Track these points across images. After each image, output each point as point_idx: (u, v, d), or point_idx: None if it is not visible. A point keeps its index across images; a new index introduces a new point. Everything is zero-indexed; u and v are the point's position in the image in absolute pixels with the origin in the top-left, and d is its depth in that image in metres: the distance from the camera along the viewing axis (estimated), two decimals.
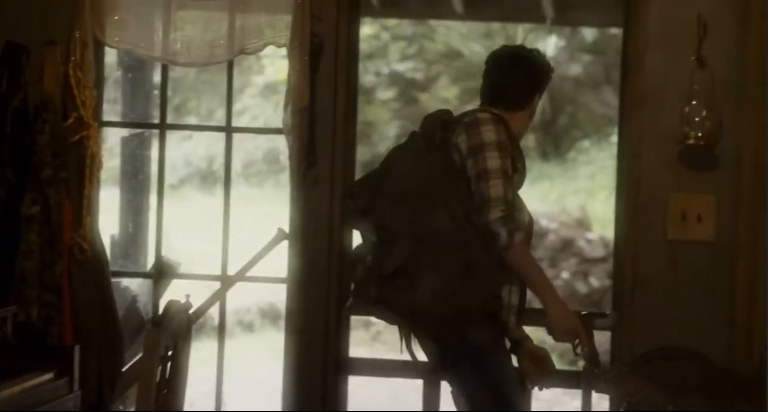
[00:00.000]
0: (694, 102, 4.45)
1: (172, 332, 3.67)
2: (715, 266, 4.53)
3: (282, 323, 4.76)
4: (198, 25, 4.70)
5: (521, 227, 3.68)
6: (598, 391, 4.33)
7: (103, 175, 4.82)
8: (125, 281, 5.16)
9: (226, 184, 4.84)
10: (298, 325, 4.65)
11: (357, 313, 4.80)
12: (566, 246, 10.01)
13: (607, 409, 4.48)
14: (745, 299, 4.43)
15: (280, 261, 4.69)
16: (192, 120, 8.51)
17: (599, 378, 4.27)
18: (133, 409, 4.70)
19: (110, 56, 5.12)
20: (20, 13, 4.73)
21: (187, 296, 3.88)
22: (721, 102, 4.46)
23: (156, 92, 5.26)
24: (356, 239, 4.71)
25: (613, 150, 4.85)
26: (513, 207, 3.68)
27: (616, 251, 4.72)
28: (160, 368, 3.64)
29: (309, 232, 4.65)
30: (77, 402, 4.14)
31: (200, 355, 4.53)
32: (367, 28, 5.88)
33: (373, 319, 3.88)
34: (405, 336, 3.78)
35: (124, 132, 5.57)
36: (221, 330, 4.87)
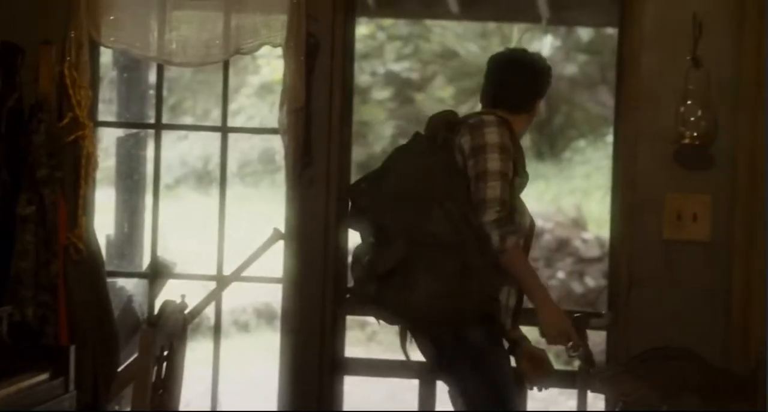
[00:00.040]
0: (689, 102, 4.45)
1: (167, 332, 3.67)
2: (711, 265, 4.53)
3: (278, 323, 4.76)
4: (193, 25, 4.69)
5: (517, 231, 3.68)
6: (593, 391, 4.33)
7: (99, 175, 4.82)
8: (121, 281, 5.15)
9: (222, 184, 4.84)
10: (293, 325, 4.64)
11: (353, 313, 4.81)
12: (562, 246, 10.02)
13: (603, 409, 4.49)
14: (741, 299, 4.43)
15: (275, 261, 4.69)
16: (187, 120, 8.52)
17: (595, 378, 4.27)
18: (128, 409, 4.69)
19: (106, 56, 5.11)
20: (15, 13, 4.72)
21: (183, 296, 3.88)
22: (716, 102, 4.46)
23: (151, 92, 5.26)
24: (352, 239, 4.74)
25: (609, 150, 4.85)
26: (509, 209, 3.68)
27: (612, 251, 4.72)
28: (155, 368, 3.63)
29: (305, 232, 4.65)
30: (73, 402, 4.14)
31: (196, 355, 4.53)
32: (362, 28, 5.89)
33: (369, 319, 3.88)
34: (401, 335, 3.79)
35: (120, 132, 5.56)
36: (217, 330, 4.86)
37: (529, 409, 4.34)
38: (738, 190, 4.47)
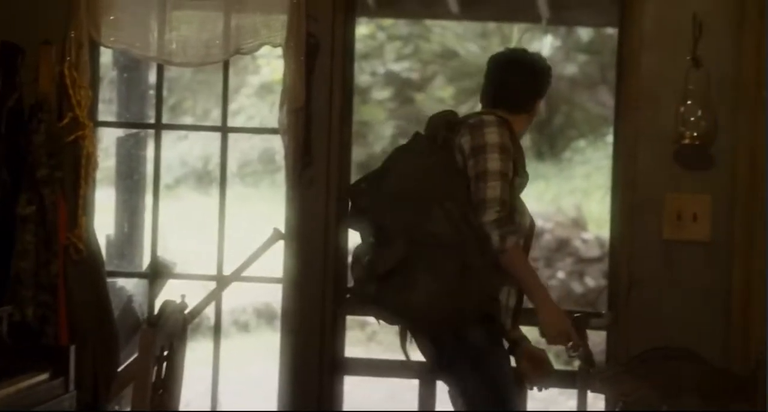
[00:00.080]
0: (689, 102, 4.45)
1: (167, 332, 3.67)
2: (711, 265, 4.53)
3: (278, 323, 4.76)
4: (193, 25, 4.69)
5: (517, 231, 3.68)
6: (593, 391, 4.33)
7: (99, 175, 4.82)
8: (121, 281, 5.15)
9: (222, 184, 4.84)
10: (293, 325, 4.64)
11: (353, 313, 4.81)
12: (562, 246, 10.02)
13: (603, 409, 4.49)
14: (741, 299, 4.43)
15: (275, 261, 4.69)
16: (187, 120, 8.51)
17: (595, 378, 4.27)
18: (128, 409, 4.69)
19: (105, 56, 5.11)
20: (15, 13, 4.72)
21: (183, 296, 3.88)
22: (716, 102, 4.46)
23: (151, 92, 5.26)
24: (352, 239, 4.74)
25: (609, 150, 4.85)
26: (509, 209, 3.68)
27: (612, 251, 4.72)
28: (155, 368, 3.63)
29: (305, 232, 4.65)
30: (73, 402, 4.14)
31: (196, 355, 4.53)
32: (362, 28, 5.89)
33: (369, 319, 3.88)
34: (401, 335, 3.80)
35: (120, 132, 5.56)
36: (217, 330, 4.86)
37: (528, 409, 4.34)
38: (738, 190, 4.47)
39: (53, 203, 4.54)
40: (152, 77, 5.16)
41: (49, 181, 4.53)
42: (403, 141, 3.91)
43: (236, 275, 4.67)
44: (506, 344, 3.90)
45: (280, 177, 4.69)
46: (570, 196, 10.23)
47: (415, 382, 4.65)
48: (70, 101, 4.61)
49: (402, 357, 3.85)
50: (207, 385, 4.85)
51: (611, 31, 5.13)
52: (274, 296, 5.05)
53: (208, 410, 4.89)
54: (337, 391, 4.79)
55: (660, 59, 4.55)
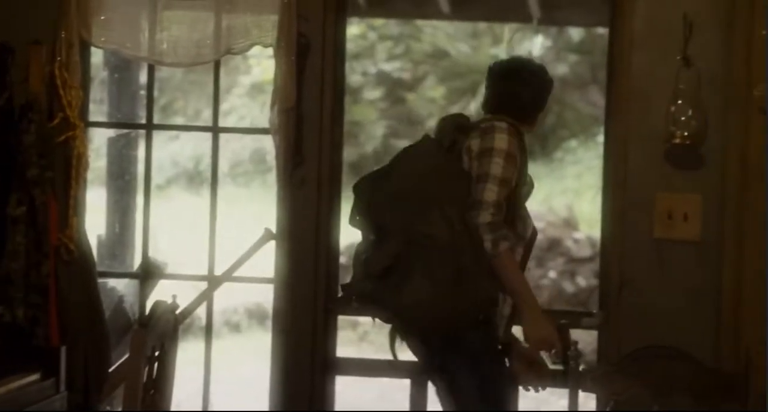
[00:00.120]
0: (679, 101, 4.46)
1: (158, 333, 3.67)
2: (702, 265, 4.54)
3: (269, 323, 4.75)
4: (184, 25, 4.69)
5: (509, 237, 3.66)
6: (585, 390, 4.33)
7: (90, 175, 4.81)
8: (112, 282, 5.15)
9: (213, 184, 4.84)
10: (285, 325, 4.64)
11: (346, 312, 4.81)
12: (553, 246, 10.03)
13: (594, 408, 4.49)
14: (731, 299, 4.44)
15: (267, 261, 4.69)
16: (179, 120, 8.51)
17: (586, 377, 4.27)
18: (120, 410, 4.69)
19: (96, 56, 5.10)
20: (5, 13, 4.71)
21: (174, 297, 3.88)
22: (706, 101, 4.47)
23: (142, 92, 5.25)
24: (344, 239, 4.74)
25: (600, 150, 4.85)
26: (504, 215, 3.67)
27: (603, 251, 4.73)
28: (146, 368, 3.63)
29: (296, 232, 4.65)
30: (64, 403, 4.14)
31: (187, 355, 4.53)
32: (353, 28, 5.88)
33: (360, 319, 3.88)
34: (390, 336, 3.79)
35: (111, 132, 5.55)
36: (208, 330, 4.86)
37: (520, 408, 4.34)
38: (728, 189, 4.48)
39: (44, 204, 4.53)
40: (143, 77, 5.16)
41: (39, 181, 4.52)
42: (394, 141, 3.92)
43: (227, 276, 4.67)
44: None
45: (271, 177, 4.69)
46: (561, 196, 10.23)
47: (407, 382, 4.66)
48: (60, 101, 4.60)
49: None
50: (198, 385, 4.85)
51: (602, 30, 5.14)
52: (265, 296, 5.05)
53: (200, 410, 4.89)
54: (328, 391, 4.79)
55: (650, 59, 4.56)
